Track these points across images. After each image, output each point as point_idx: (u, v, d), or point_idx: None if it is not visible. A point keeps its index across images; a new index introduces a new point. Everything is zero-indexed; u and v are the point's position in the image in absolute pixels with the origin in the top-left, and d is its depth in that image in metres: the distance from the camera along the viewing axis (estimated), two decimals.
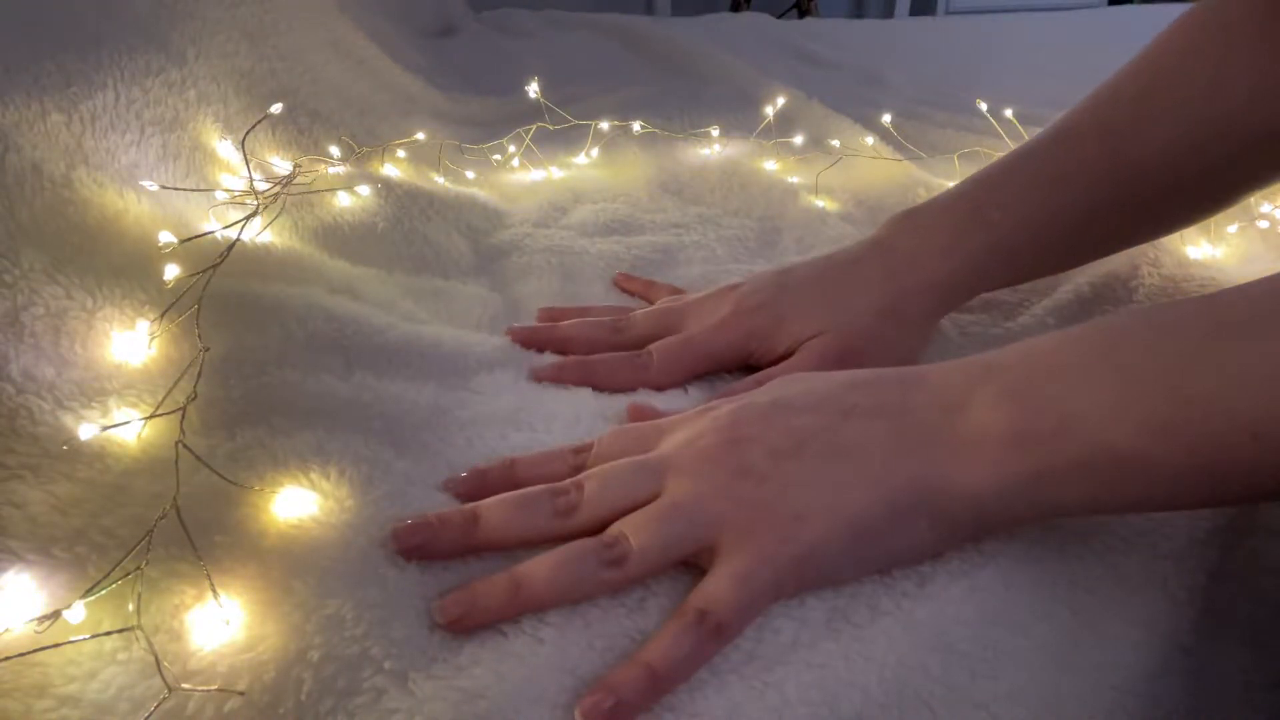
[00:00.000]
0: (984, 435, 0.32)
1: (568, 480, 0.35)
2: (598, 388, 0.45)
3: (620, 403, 0.44)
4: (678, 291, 0.55)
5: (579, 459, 0.37)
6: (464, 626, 0.30)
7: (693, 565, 0.33)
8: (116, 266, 0.43)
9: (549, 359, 0.47)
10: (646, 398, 0.45)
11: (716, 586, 0.31)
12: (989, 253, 0.48)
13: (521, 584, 0.31)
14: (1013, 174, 0.49)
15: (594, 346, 0.48)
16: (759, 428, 0.35)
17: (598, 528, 0.33)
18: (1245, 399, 0.28)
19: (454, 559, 0.33)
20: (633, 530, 0.32)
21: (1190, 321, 0.31)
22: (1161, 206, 0.48)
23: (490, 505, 0.34)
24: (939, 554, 0.33)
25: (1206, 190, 0.47)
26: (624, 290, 0.58)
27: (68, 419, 0.36)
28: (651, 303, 0.54)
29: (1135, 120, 0.46)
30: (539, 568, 0.31)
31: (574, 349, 0.48)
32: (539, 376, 0.45)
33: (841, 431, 0.34)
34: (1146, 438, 0.29)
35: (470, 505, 0.34)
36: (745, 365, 0.48)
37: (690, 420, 0.37)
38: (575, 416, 0.42)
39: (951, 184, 0.72)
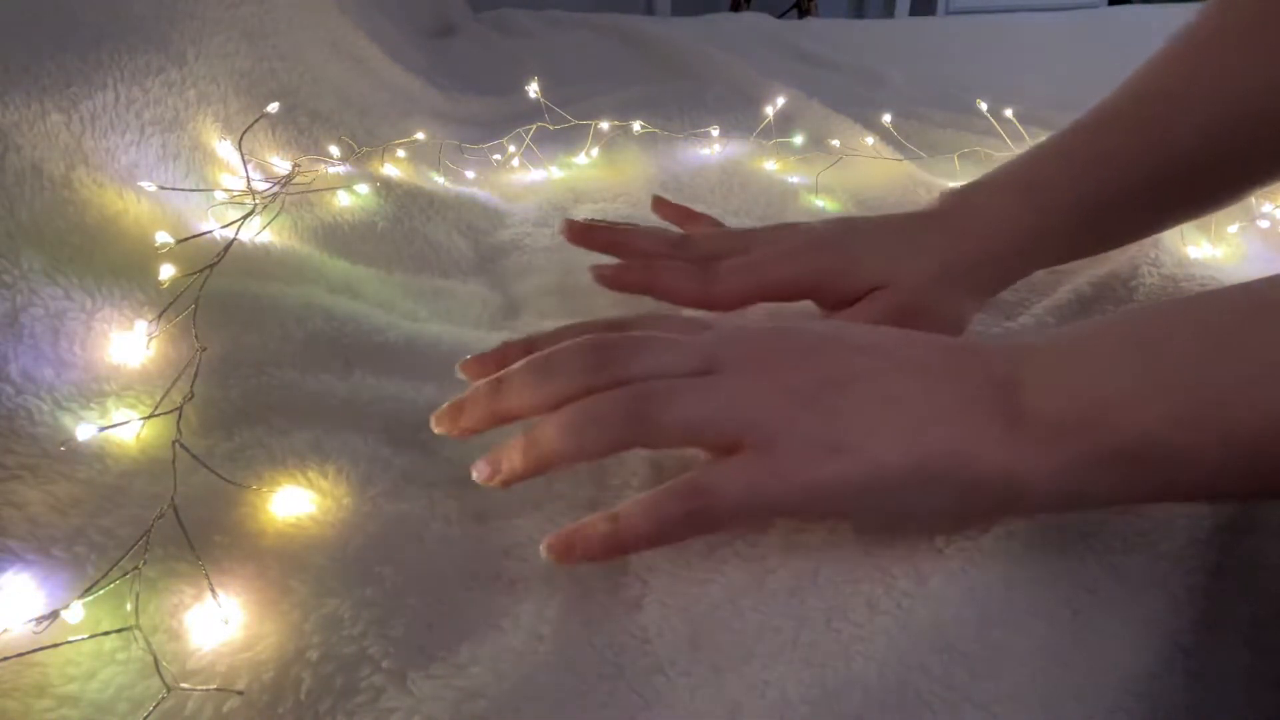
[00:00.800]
0: (1022, 416, 0.32)
1: (600, 336, 0.33)
2: (658, 295, 0.44)
3: None
4: (716, 222, 0.54)
5: (609, 329, 0.36)
6: (497, 483, 0.32)
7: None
8: (116, 267, 0.43)
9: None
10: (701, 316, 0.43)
11: (723, 476, 0.30)
12: (1039, 234, 0.48)
13: (537, 439, 0.31)
14: (1061, 158, 0.49)
15: (653, 255, 0.47)
16: (814, 353, 0.34)
17: None
18: (1277, 385, 0.28)
19: (488, 428, 0.33)
20: (667, 390, 0.31)
21: (1221, 308, 0.31)
22: (1202, 188, 0.48)
23: (513, 370, 0.33)
24: (952, 529, 0.33)
25: (1243, 171, 0.48)
26: (659, 214, 0.56)
27: (66, 419, 0.36)
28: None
29: (1172, 104, 0.46)
30: (552, 423, 0.31)
31: (632, 254, 0.46)
32: (600, 275, 0.44)
33: (892, 380, 0.33)
34: (1176, 425, 0.29)
35: (495, 375, 0.33)
36: (805, 300, 0.47)
37: (742, 323, 0.36)
38: None
39: (952, 184, 0.72)
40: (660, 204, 0.56)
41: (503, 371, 0.33)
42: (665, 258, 0.46)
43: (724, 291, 0.44)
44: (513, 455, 0.32)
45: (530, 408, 0.32)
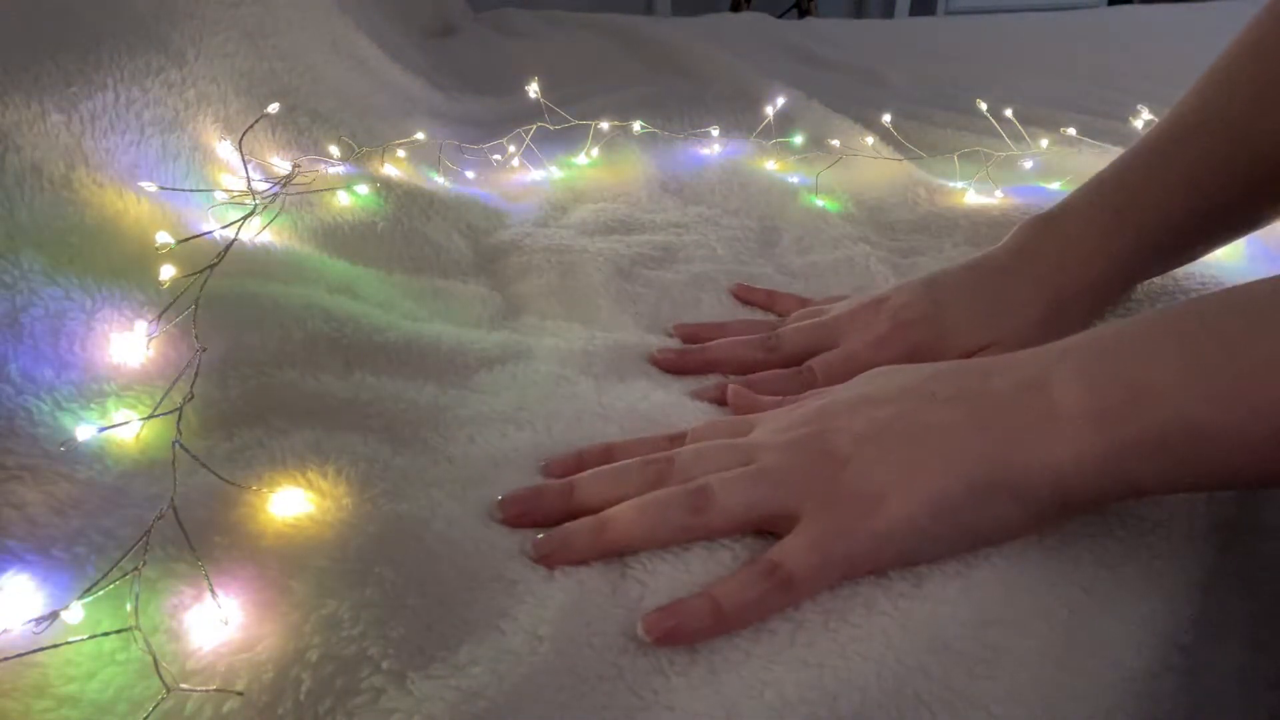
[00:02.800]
0: (1060, 412, 0.32)
1: (661, 453, 0.37)
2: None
3: (620, 403, 0.44)
4: (805, 302, 0.55)
5: (673, 445, 0.39)
6: (552, 562, 0.33)
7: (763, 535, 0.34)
8: (116, 267, 0.43)
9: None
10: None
11: (793, 545, 0.32)
12: (1136, 254, 0.48)
13: (607, 525, 0.33)
14: (1148, 175, 0.49)
15: (745, 366, 0.48)
16: (845, 419, 0.36)
17: None
18: None
19: (553, 525, 0.35)
20: (719, 483, 0.34)
21: (1254, 291, 0.31)
22: (1264, 204, 0.48)
23: (585, 477, 0.37)
24: (1028, 532, 0.34)
25: None
26: (744, 301, 0.57)
27: (66, 419, 0.36)
28: (778, 314, 0.55)
29: (1254, 111, 0.46)
30: (623, 510, 0.34)
31: (725, 370, 0.48)
32: (703, 398, 0.46)
33: (921, 416, 0.35)
34: (1214, 407, 0.29)
35: (568, 478, 0.37)
36: None
37: (782, 413, 0.39)
38: (576, 416, 0.42)
39: (953, 184, 0.72)
40: (744, 290, 0.57)
41: (575, 476, 0.37)
42: (758, 364, 0.48)
43: None
44: (579, 537, 0.34)
45: (600, 506, 0.35)
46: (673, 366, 0.48)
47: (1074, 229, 0.49)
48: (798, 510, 0.33)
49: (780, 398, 0.43)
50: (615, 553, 0.33)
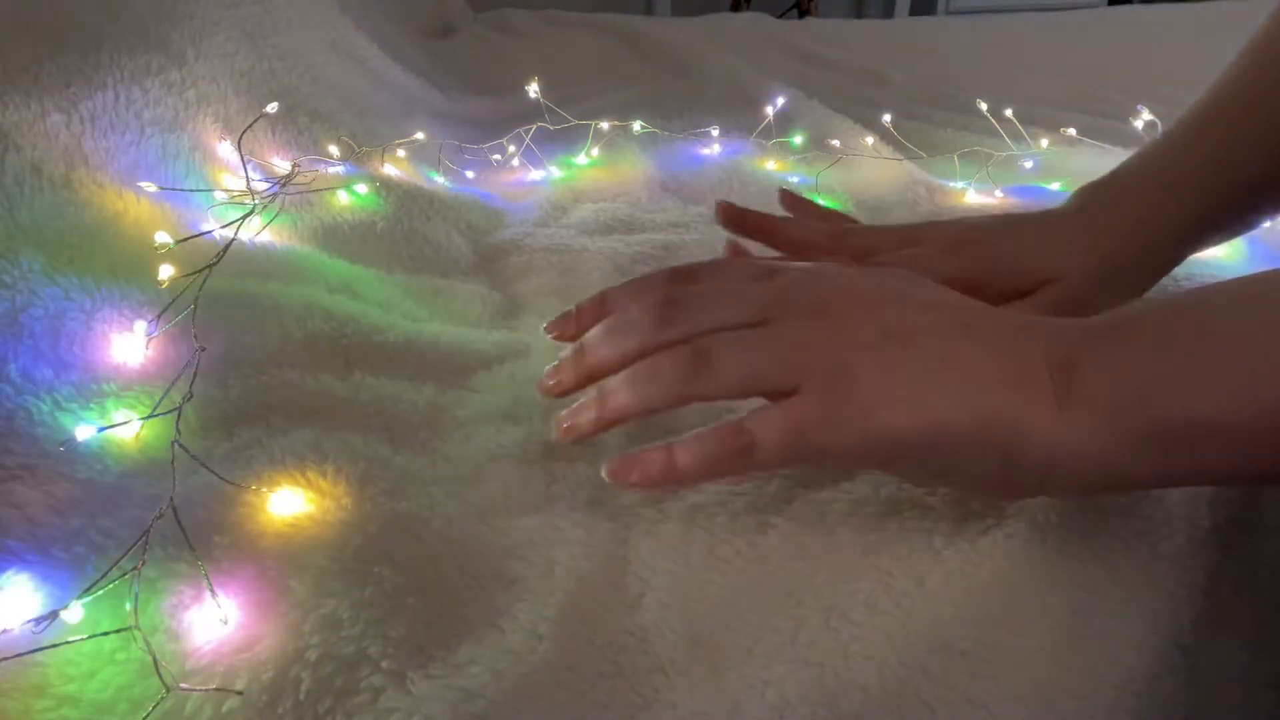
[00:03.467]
0: (1074, 394, 0.31)
1: (666, 294, 0.36)
2: None
3: None
4: (852, 220, 0.54)
5: (677, 281, 0.38)
6: (572, 434, 0.35)
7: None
8: (115, 267, 0.43)
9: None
10: None
11: (773, 416, 0.31)
12: (1179, 227, 0.48)
13: (606, 397, 0.34)
14: (1186, 150, 0.49)
15: (809, 246, 0.47)
16: (876, 305, 0.34)
17: None
18: None
19: (582, 389, 0.36)
20: (721, 344, 0.33)
21: (1269, 285, 0.31)
22: None
23: (592, 334, 0.36)
24: (994, 497, 0.34)
25: None
26: (785, 205, 0.54)
27: (66, 419, 0.36)
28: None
29: None
30: (621, 379, 0.34)
31: (786, 244, 0.48)
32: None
33: (956, 341, 0.33)
34: (1223, 404, 0.29)
35: (579, 341, 0.37)
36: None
37: (808, 268, 0.37)
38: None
39: (953, 184, 0.72)
40: (787, 195, 0.54)
41: (584, 336, 0.37)
42: (823, 252, 0.47)
43: None
44: (587, 412, 0.35)
45: (609, 366, 0.35)
46: (731, 221, 0.48)
47: (1125, 197, 0.49)
48: (796, 386, 0.32)
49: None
50: (618, 422, 0.34)
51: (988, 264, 0.46)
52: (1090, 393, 0.31)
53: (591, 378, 0.36)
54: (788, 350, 0.32)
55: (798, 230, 0.48)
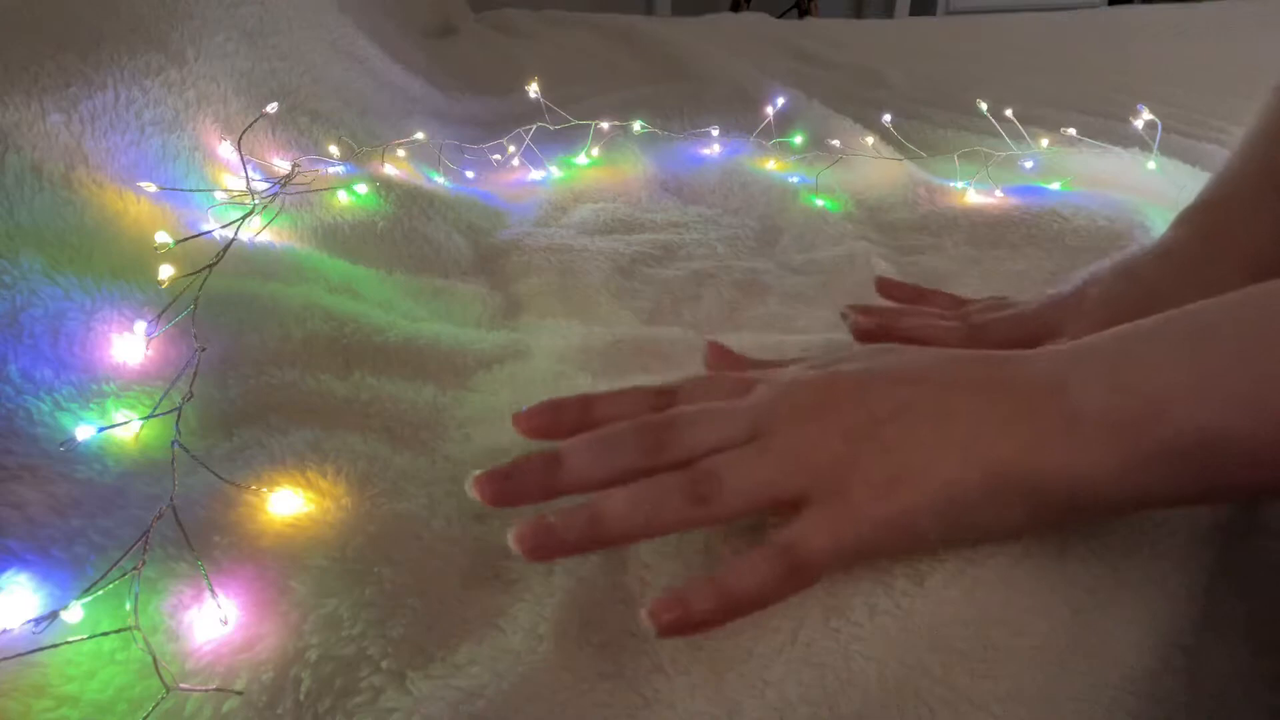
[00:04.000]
0: (1078, 419, 0.31)
1: (657, 415, 0.34)
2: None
3: None
4: (960, 301, 0.52)
5: (662, 400, 0.35)
6: (540, 556, 0.30)
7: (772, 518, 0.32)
8: (115, 267, 0.43)
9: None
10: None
11: (805, 527, 0.30)
12: (1230, 278, 0.45)
13: (602, 516, 0.30)
14: (1232, 200, 0.48)
15: (939, 342, 0.46)
16: (860, 392, 0.34)
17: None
18: None
19: (538, 503, 0.32)
20: (724, 466, 0.31)
21: (1264, 299, 0.31)
22: None
23: (572, 445, 0.33)
24: (1029, 534, 0.33)
25: None
26: (884, 295, 0.53)
27: (66, 419, 0.36)
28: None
29: None
30: (619, 501, 0.31)
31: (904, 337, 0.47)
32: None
33: (942, 402, 0.33)
34: (1232, 415, 0.29)
35: (552, 449, 0.33)
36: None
37: (787, 375, 0.36)
38: None
39: (953, 184, 0.72)
40: (886, 285, 0.53)
41: (561, 446, 0.33)
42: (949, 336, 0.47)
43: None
44: (570, 526, 0.30)
45: (590, 483, 0.32)
46: (867, 332, 0.46)
47: (1174, 249, 0.47)
48: (806, 493, 0.31)
49: (765, 360, 0.39)
50: (610, 545, 0.31)
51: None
52: (1095, 413, 0.31)
53: (565, 491, 0.32)
54: (787, 461, 0.32)
55: (924, 331, 0.47)
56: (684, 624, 0.28)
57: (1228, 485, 0.31)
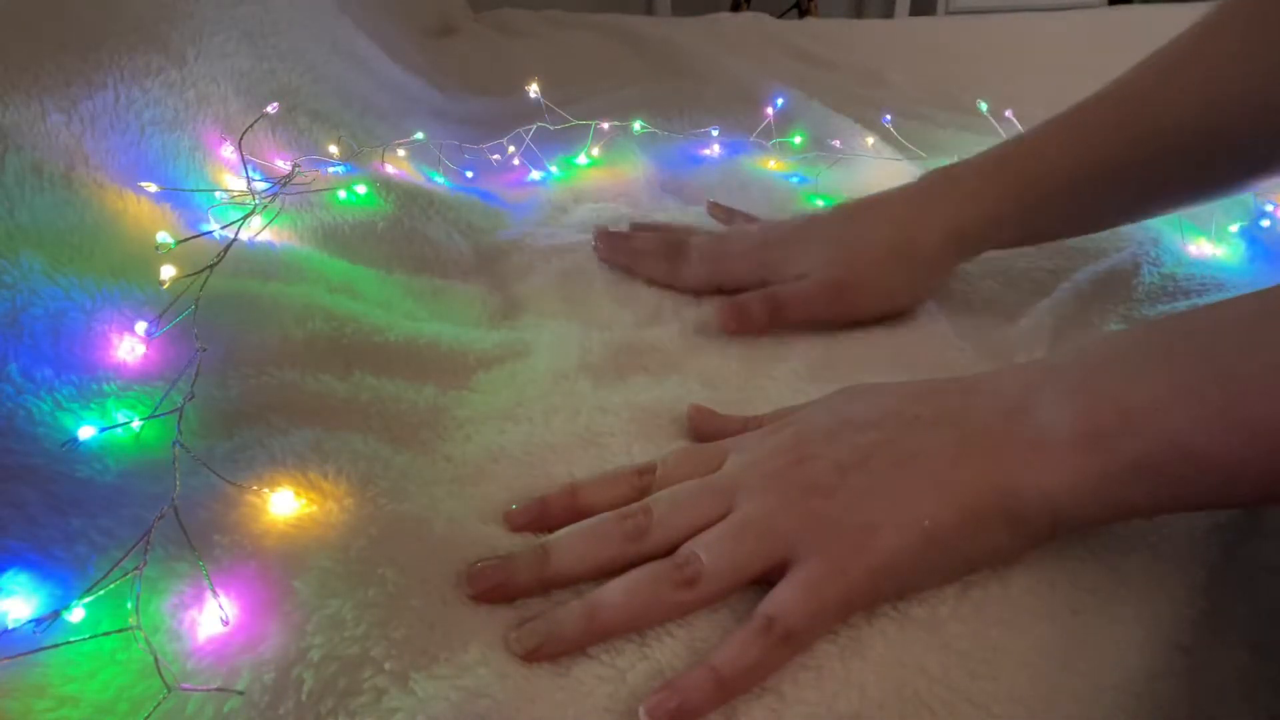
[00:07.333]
0: (1048, 437, 0.32)
1: (636, 505, 0.35)
2: (636, 274, 0.57)
3: (617, 397, 0.44)
4: (753, 219, 0.63)
5: (643, 480, 0.37)
6: (540, 657, 0.30)
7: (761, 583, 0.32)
8: (116, 267, 0.43)
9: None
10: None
11: (786, 594, 0.31)
12: (1003, 203, 0.51)
13: (597, 612, 0.31)
14: (1040, 135, 0.52)
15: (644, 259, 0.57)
16: (824, 445, 0.34)
17: (668, 550, 0.33)
18: None
19: (529, 597, 0.32)
20: (704, 549, 0.32)
21: (1240, 309, 0.31)
22: (1177, 175, 0.49)
23: (559, 540, 0.34)
24: (1017, 558, 0.33)
25: (1224, 165, 0.48)
26: (711, 214, 0.65)
27: (66, 419, 0.36)
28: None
29: (1158, 86, 0.48)
30: (612, 595, 0.31)
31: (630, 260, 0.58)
32: (600, 238, 0.58)
33: (906, 442, 0.33)
34: (1204, 427, 0.29)
35: (540, 542, 0.34)
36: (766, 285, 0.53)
37: (755, 440, 0.37)
38: (575, 410, 0.42)
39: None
40: (713, 206, 0.65)
41: (546, 541, 0.34)
42: (659, 255, 0.57)
43: (689, 275, 0.56)
44: (568, 626, 0.30)
45: (575, 577, 0.33)
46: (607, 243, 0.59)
47: (959, 172, 0.53)
48: (787, 557, 0.32)
49: (746, 418, 0.40)
50: (605, 639, 0.31)
51: (768, 266, 0.54)
52: (1066, 429, 0.31)
53: (555, 586, 0.33)
54: (763, 530, 0.32)
55: (645, 245, 0.58)
56: (682, 714, 0.28)
57: (1206, 496, 0.32)
